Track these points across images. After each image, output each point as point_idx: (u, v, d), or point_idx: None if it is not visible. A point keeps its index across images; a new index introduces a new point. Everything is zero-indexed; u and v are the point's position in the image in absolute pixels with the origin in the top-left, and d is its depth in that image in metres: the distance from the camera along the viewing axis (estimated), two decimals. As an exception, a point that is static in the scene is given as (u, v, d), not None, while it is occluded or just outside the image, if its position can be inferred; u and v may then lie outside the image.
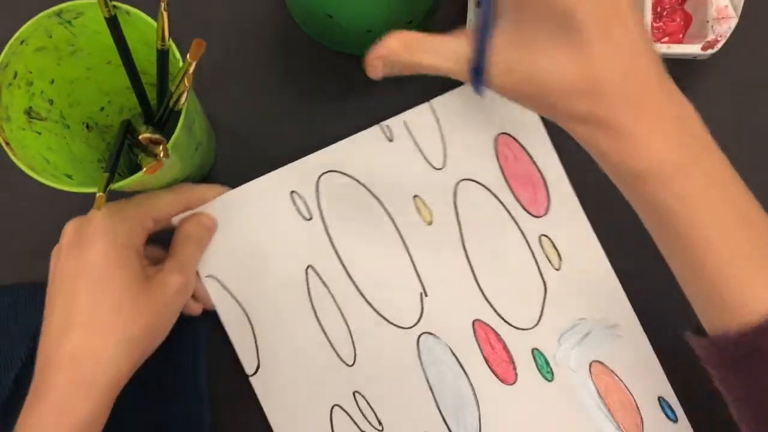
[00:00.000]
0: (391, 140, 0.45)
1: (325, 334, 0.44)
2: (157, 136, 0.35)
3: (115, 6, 0.35)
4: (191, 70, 0.33)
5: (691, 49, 0.43)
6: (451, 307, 0.45)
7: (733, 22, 0.42)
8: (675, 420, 0.44)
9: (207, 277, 0.44)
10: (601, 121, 0.31)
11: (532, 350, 0.44)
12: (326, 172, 0.45)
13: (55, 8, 0.35)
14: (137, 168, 0.42)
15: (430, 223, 0.45)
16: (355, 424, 0.44)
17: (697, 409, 0.44)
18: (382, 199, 0.45)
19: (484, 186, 0.45)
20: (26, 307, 0.44)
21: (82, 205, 0.44)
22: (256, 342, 0.44)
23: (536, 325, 0.45)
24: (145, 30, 0.36)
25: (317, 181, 0.45)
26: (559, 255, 0.45)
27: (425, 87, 0.45)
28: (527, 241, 0.45)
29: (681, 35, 0.45)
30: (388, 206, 0.45)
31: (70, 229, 0.39)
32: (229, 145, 0.48)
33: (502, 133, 0.46)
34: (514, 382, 0.44)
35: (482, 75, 0.32)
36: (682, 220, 0.31)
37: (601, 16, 0.29)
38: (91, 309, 0.37)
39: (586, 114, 0.31)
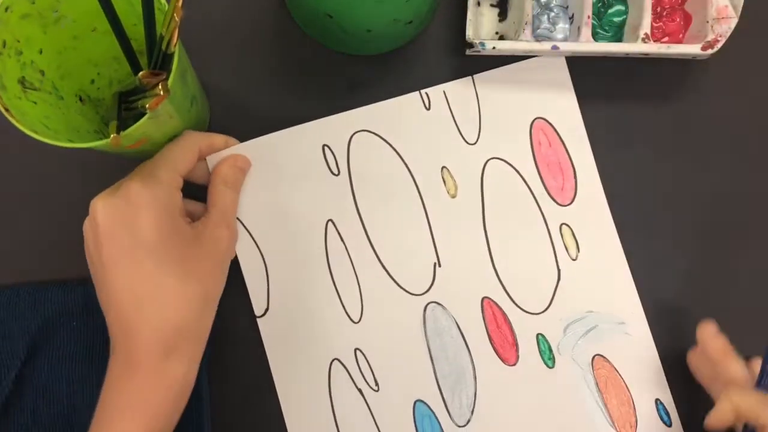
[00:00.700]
0: (428, 109, 0.46)
1: (335, 287, 0.45)
2: (157, 71, 0.35)
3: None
4: (180, 3, 0.33)
5: (691, 49, 0.42)
6: (462, 281, 0.45)
7: (733, 22, 0.42)
8: (669, 424, 0.44)
9: (230, 215, 0.44)
10: None
11: (537, 335, 0.45)
12: (360, 130, 0.45)
13: None
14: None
15: (454, 196, 0.45)
16: (352, 380, 0.44)
17: (693, 417, 0.44)
18: (411, 165, 0.45)
19: (513, 167, 0.46)
20: (27, 306, 0.44)
21: (84, 205, 0.45)
22: (268, 285, 0.44)
23: (544, 311, 0.45)
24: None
25: (350, 139, 0.45)
26: (577, 246, 0.45)
27: (426, 86, 0.46)
28: (548, 228, 0.45)
29: (681, 35, 0.45)
30: (415, 173, 0.45)
31: (101, 205, 0.37)
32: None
33: (540, 118, 0.46)
34: (515, 364, 0.44)
35: None
36: None
37: None
38: (157, 281, 0.36)
39: None
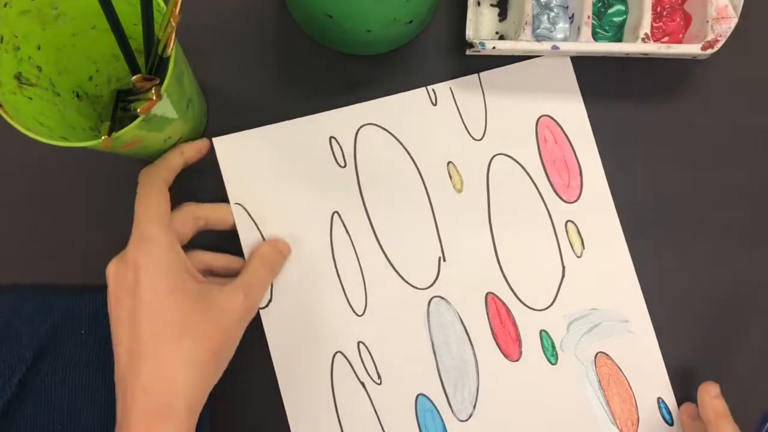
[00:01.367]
0: (434, 104, 0.46)
1: (339, 280, 0.45)
2: (149, 76, 0.35)
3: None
4: (177, 9, 0.33)
5: (691, 49, 0.43)
6: (466, 276, 0.45)
7: (733, 22, 0.42)
8: (671, 423, 0.44)
9: (235, 204, 0.44)
10: None
11: (540, 332, 0.45)
12: (367, 124, 0.46)
13: None
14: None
15: (459, 191, 0.45)
16: (355, 373, 0.44)
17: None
18: (417, 160, 0.46)
19: (519, 164, 0.46)
20: (34, 311, 0.44)
21: (88, 204, 0.45)
22: (272, 276, 0.44)
23: (548, 307, 0.45)
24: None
25: (357, 131, 0.45)
26: (582, 243, 0.45)
27: (426, 86, 0.46)
28: (553, 225, 0.45)
29: (681, 35, 0.45)
30: (421, 168, 0.46)
31: (111, 271, 0.38)
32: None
33: (546, 115, 0.46)
34: (518, 360, 0.44)
35: None
36: None
37: None
38: (154, 341, 0.36)
39: None
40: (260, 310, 0.44)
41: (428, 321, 0.45)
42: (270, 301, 0.44)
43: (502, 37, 0.46)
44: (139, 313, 0.36)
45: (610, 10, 0.46)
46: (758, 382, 0.44)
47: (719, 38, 0.42)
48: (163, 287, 0.37)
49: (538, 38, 0.46)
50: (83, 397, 0.43)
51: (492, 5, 0.46)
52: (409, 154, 0.46)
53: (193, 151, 0.42)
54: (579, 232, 0.45)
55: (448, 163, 0.46)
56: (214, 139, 0.43)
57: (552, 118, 0.46)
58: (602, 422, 0.44)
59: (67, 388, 0.43)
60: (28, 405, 0.43)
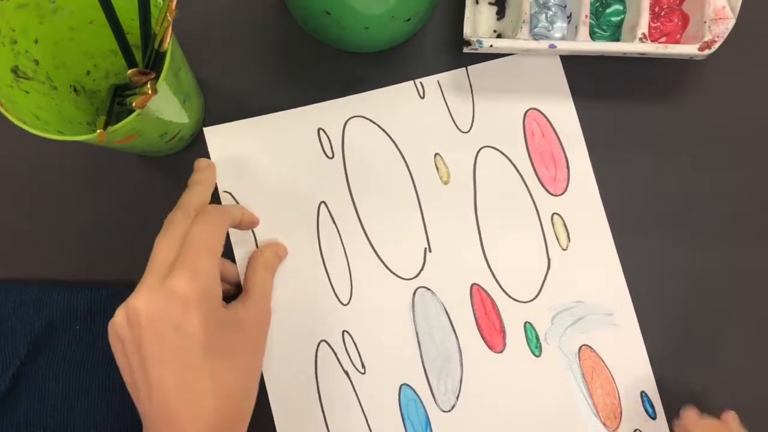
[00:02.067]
0: (422, 97, 0.46)
1: (325, 269, 0.45)
2: (145, 70, 0.36)
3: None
4: (174, 4, 0.33)
5: (689, 49, 0.43)
6: (452, 267, 0.45)
7: (731, 23, 0.42)
8: (654, 417, 0.44)
9: (224, 192, 0.45)
10: None
11: (525, 323, 0.45)
12: (355, 116, 0.46)
13: None
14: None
15: (446, 183, 0.46)
16: (339, 362, 0.45)
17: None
18: (404, 152, 0.46)
19: (506, 156, 0.46)
20: (29, 306, 0.44)
21: (85, 200, 0.45)
22: (258, 264, 0.45)
23: (533, 299, 0.45)
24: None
25: (345, 124, 0.46)
26: (568, 235, 0.45)
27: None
28: (539, 217, 0.45)
29: (678, 35, 0.45)
30: (408, 160, 0.46)
31: (144, 306, 0.35)
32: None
33: (533, 109, 0.46)
34: (502, 351, 0.45)
35: None
36: None
37: None
38: (204, 375, 0.36)
39: None
40: (247, 298, 0.45)
41: (413, 311, 0.45)
42: (256, 289, 0.45)
43: (499, 36, 0.46)
44: (188, 350, 0.35)
45: (608, 10, 0.46)
46: (742, 376, 0.44)
47: (717, 39, 0.42)
48: (212, 321, 0.36)
49: (536, 37, 0.46)
50: (77, 392, 0.43)
51: (490, 3, 0.47)
52: (396, 146, 0.46)
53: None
54: (565, 225, 0.45)
55: (435, 155, 0.46)
56: (205, 129, 0.43)
57: (540, 111, 0.46)
58: (585, 415, 0.44)
59: (61, 383, 0.43)
60: (22, 400, 0.43)
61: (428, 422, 0.44)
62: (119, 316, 0.36)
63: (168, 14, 0.34)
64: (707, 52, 0.43)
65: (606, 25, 0.46)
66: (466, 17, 0.44)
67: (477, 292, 0.45)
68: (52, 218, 0.46)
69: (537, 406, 0.44)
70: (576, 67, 0.46)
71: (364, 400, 0.44)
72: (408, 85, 0.46)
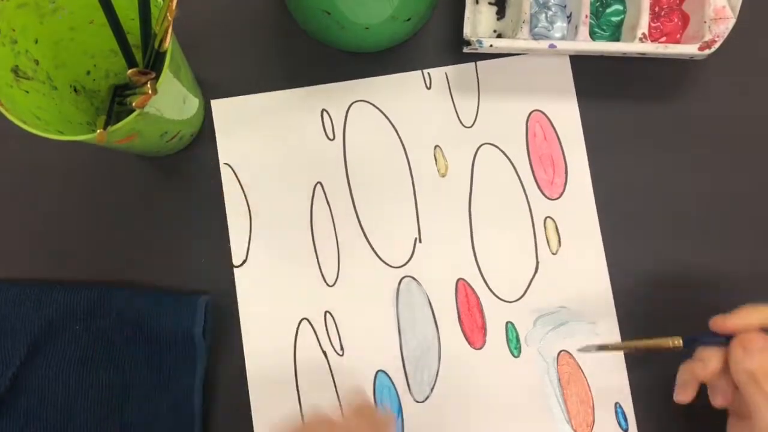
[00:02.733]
0: (429, 88, 0.46)
1: (315, 248, 0.45)
2: (145, 70, 0.36)
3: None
4: (174, 3, 0.33)
5: (688, 49, 0.42)
6: (440, 260, 0.45)
7: (731, 23, 0.42)
8: (626, 429, 0.44)
9: (224, 164, 0.46)
10: None
11: (507, 323, 0.45)
12: (359, 100, 0.46)
13: None
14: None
15: (443, 176, 0.46)
16: (318, 342, 0.45)
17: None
18: (405, 140, 0.46)
19: (506, 155, 0.46)
20: (29, 306, 0.44)
21: (86, 200, 0.45)
22: (250, 236, 0.45)
23: (517, 300, 0.45)
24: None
25: (349, 107, 0.46)
26: (559, 240, 0.45)
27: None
28: (532, 219, 0.45)
29: (678, 35, 0.45)
30: (408, 148, 0.46)
31: None
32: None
33: (538, 110, 0.46)
34: (481, 348, 0.45)
35: None
36: None
37: None
38: None
39: None
40: (234, 269, 0.45)
41: (397, 299, 0.45)
42: (245, 260, 0.45)
43: (499, 36, 0.46)
44: None
45: (608, 10, 0.46)
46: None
47: (717, 39, 0.42)
48: None
49: (536, 37, 0.46)
50: (77, 392, 0.44)
51: (490, 3, 0.47)
52: (397, 133, 0.46)
53: None
54: (557, 230, 0.45)
55: (435, 146, 0.46)
56: (213, 102, 0.44)
57: (544, 114, 0.46)
58: (558, 420, 0.44)
59: (61, 383, 0.43)
60: (21, 399, 0.43)
61: (400, 410, 0.44)
62: None
63: (168, 14, 0.34)
64: (707, 51, 0.42)
65: (606, 25, 0.46)
66: (466, 17, 0.44)
67: (462, 286, 0.45)
68: (52, 218, 0.46)
69: (510, 406, 0.44)
70: (575, 67, 0.46)
71: (339, 383, 0.44)
72: (415, 75, 0.46)
